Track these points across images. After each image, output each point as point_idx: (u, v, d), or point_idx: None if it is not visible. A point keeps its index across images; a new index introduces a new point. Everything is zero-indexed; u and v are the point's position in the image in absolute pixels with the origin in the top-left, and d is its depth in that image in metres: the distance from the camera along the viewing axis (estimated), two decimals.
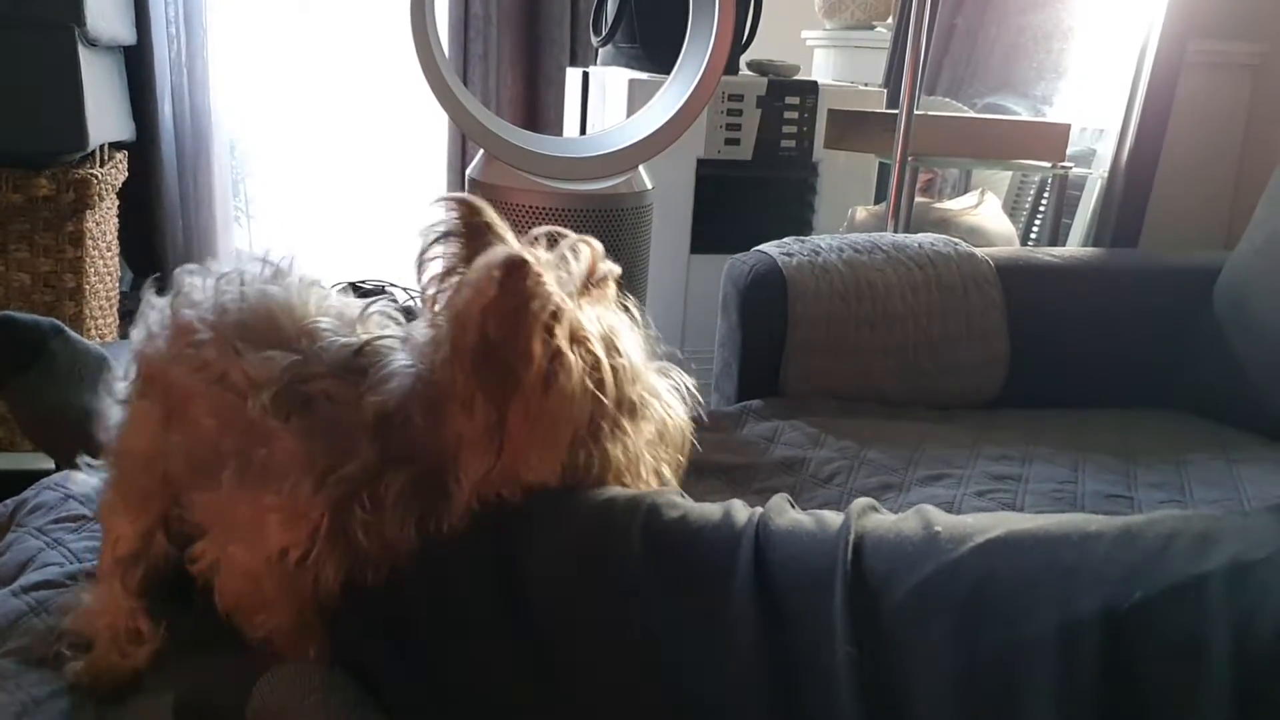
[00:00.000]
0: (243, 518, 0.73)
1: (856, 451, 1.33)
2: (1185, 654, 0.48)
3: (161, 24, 2.75)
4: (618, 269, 0.78)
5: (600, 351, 0.70)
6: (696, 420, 0.80)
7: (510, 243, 0.73)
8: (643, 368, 0.75)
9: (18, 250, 2.14)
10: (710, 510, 0.67)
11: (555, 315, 0.67)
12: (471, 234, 0.74)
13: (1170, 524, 0.55)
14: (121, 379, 0.86)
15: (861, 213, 2.14)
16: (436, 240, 0.75)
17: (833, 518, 0.64)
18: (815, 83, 2.28)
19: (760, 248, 1.59)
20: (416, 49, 1.70)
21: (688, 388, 0.80)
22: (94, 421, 1.04)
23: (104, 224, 2.34)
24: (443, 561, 0.71)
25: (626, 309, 0.78)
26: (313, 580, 0.72)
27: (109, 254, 2.41)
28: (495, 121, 1.76)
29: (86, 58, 2.13)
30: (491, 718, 0.67)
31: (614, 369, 0.71)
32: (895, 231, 1.87)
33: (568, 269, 0.74)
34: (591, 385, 0.69)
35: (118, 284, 2.51)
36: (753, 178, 2.27)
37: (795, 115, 2.25)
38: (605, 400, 0.70)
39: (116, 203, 2.48)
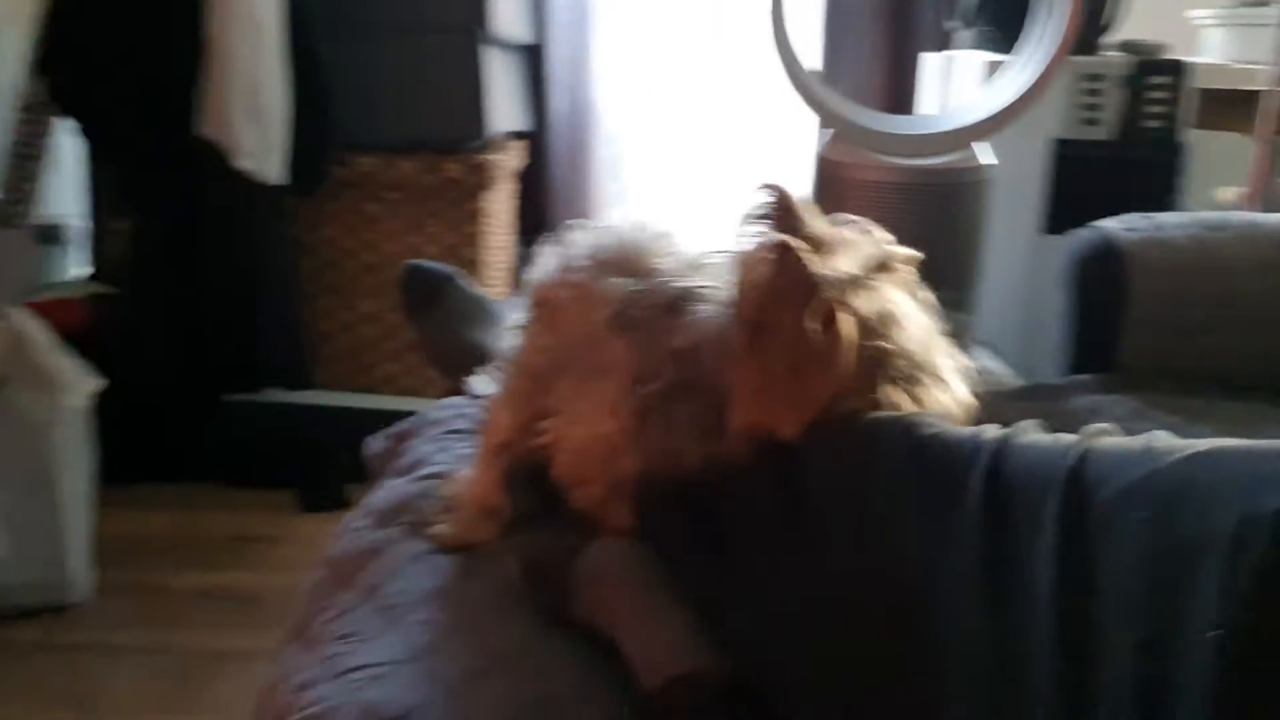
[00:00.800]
0: (579, 405, 0.90)
1: (1183, 428, 1.31)
2: None
3: (558, 24, 3.05)
4: (914, 254, 0.86)
5: (869, 328, 0.78)
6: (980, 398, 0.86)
7: (807, 228, 0.84)
8: (926, 348, 0.83)
9: (430, 225, 2.49)
10: (963, 429, 0.75)
11: (814, 295, 0.77)
12: (781, 217, 0.85)
13: None
14: (518, 313, 1.05)
15: (1228, 194, 2.05)
16: (751, 220, 0.86)
17: (1069, 437, 0.70)
18: (1183, 62, 2.19)
19: (1101, 222, 1.58)
20: (773, 36, 1.83)
21: (976, 368, 0.87)
22: (479, 354, 1.25)
23: (501, 204, 2.65)
24: (734, 463, 0.83)
25: (922, 293, 0.86)
26: (620, 465, 0.87)
27: (505, 232, 2.73)
28: (839, 102, 1.85)
29: (488, 55, 2.43)
30: (767, 595, 0.78)
31: (883, 345, 0.79)
32: (1257, 211, 1.78)
33: (857, 253, 0.83)
34: (848, 358, 0.77)
35: (513, 260, 2.82)
36: (1114, 158, 2.21)
37: (1162, 95, 2.17)
38: (861, 371, 0.78)
39: (516, 186, 2.80)
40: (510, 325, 1.04)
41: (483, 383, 1.13)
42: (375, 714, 0.77)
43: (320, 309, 2.54)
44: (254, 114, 2.23)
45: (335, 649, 0.86)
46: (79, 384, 1.97)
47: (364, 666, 0.83)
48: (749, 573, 0.80)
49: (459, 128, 2.43)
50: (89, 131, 2.39)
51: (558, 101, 3.09)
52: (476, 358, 1.24)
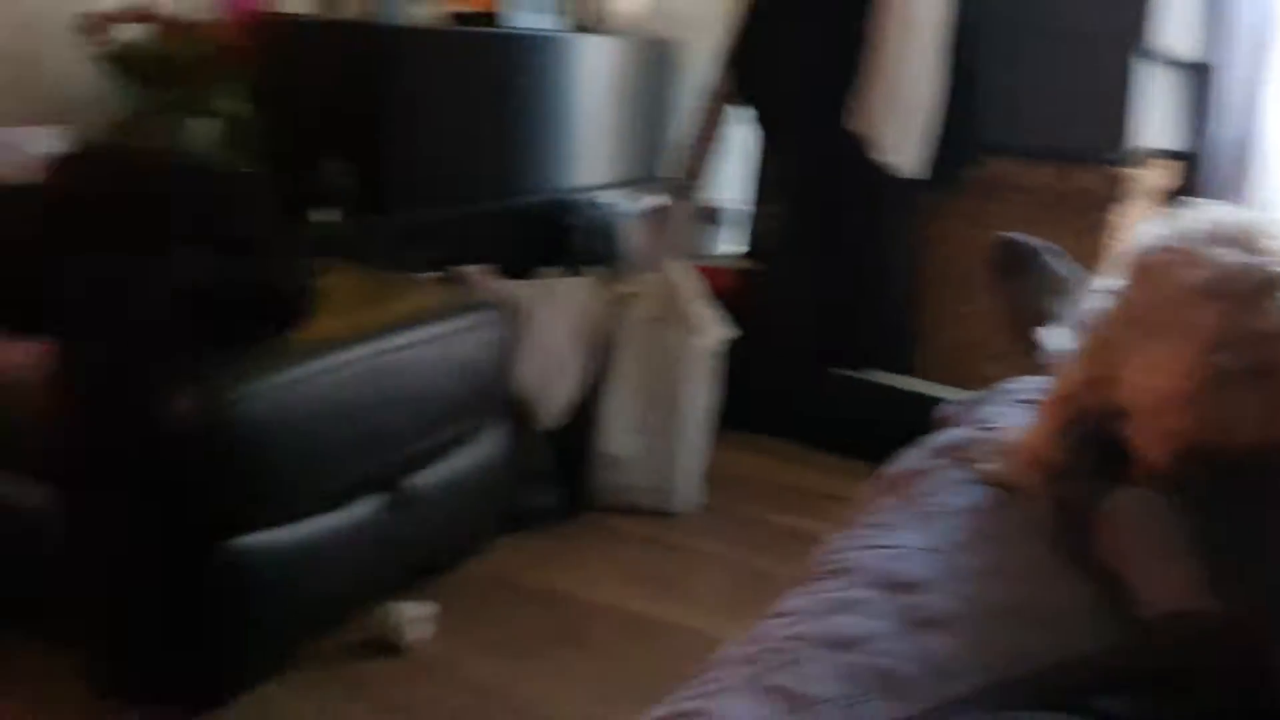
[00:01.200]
0: (1155, 354, 0.92)
1: None
2: None
3: (1237, 45, 2.86)
4: None
5: None
6: None
7: None
8: None
9: (1053, 232, 2.49)
10: None
11: None
12: None
13: None
14: (1111, 278, 1.09)
15: None
16: None
17: None
18: None
19: None
20: None
21: None
22: (1054, 323, 1.31)
23: (1129, 221, 2.58)
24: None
25: None
26: (1172, 420, 0.89)
27: None
28: None
29: (1143, 69, 2.38)
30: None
31: None
32: None
33: None
34: None
35: None
36: None
37: None
38: None
39: (1160, 208, 2.70)
40: (1100, 288, 1.08)
41: (1054, 336, 1.18)
42: (890, 578, 0.89)
43: (931, 301, 2.67)
44: (900, 112, 2.42)
45: (868, 531, 0.99)
46: (714, 331, 2.30)
47: (888, 546, 0.95)
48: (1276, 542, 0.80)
49: (1098, 139, 2.42)
50: (764, 120, 2.72)
51: (1224, 124, 2.91)
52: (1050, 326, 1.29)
